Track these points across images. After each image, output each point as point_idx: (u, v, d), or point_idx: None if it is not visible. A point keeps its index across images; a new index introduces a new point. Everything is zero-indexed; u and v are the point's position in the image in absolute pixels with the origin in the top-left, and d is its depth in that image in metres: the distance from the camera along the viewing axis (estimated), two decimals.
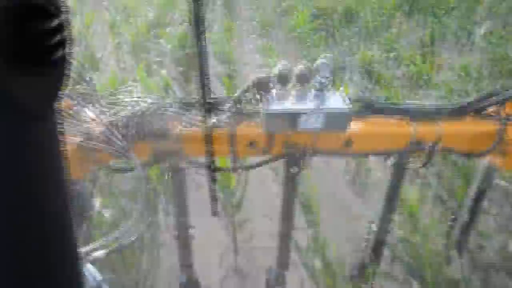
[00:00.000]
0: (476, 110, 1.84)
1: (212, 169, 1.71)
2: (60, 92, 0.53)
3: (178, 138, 1.64)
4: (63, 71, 0.53)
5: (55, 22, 0.49)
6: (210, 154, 1.66)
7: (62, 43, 0.51)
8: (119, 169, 1.68)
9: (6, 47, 0.45)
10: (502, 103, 1.80)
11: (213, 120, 1.66)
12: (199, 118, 1.62)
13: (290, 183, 1.83)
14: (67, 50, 0.52)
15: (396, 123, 1.79)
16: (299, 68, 1.63)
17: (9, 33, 0.45)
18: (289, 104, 1.60)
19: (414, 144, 1.77)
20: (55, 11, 0.50)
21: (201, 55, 1.26)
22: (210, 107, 1.63)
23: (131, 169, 1.62)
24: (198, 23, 1.23)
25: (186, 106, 1.68)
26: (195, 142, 1.65)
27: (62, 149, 0.57)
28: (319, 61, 1.64)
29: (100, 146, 1.50)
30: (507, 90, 1.81)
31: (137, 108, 1.61)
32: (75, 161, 1.58)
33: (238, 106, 1.68)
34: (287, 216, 1.94)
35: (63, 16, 0.51)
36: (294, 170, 1.75)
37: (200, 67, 1.27)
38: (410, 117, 1.77)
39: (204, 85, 1.49)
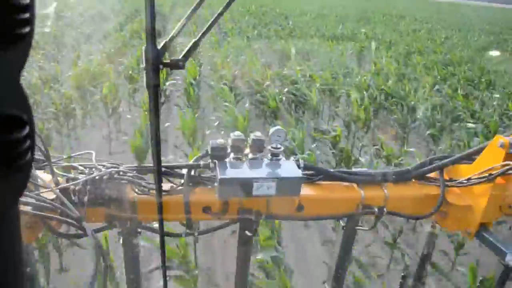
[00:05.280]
0: (418, 175, 1.98)
1: (164, 234, 1.70)
2: (23, 191, 0.54)
3: (133, 204, 1.64)
4: (28, 173, 0.54)
5: (27, 130, 0.51)
6: (163, 219, 1.66)
7: (31, 148, 0.52)
8: (70, 235, 1.64)
9: None
10: (440, 168, 1.96)
11: (168, 185, 1.69)
12: (154, 184, 1.64)
13: (244, 247, 1.85)
14: (33, 155, 0.53)
15: (346, 188, 1.88)
16: (253, 137, 1.71)
17: None
18: (243, 172, 1.65)
19: (363, 208, 1.86)
20: (28, 118, 0.51)
21: (154, 123, 1.24)
22: (165, 173, 1.66)
23: (83, 236, 1.59)
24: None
25: (141, 172, 1.69)
26: (149, 207, 1.66)
27: (20, 239, 0.57)
28: (272, 130, 1.72)
29: (50, 215, 1.48)
30: (444, 158, 1.98)
31: (92, 174, 1.61)
32: (24, 228, 1.54)
33: (193, 172, 1.72)
34: (241, 280, 1.94)
35: (32, 121, 0.52)
36: (248, 234, 1.78)
37: (154, 135, 1.25)
38: (358, 182, 1.88)
39: (158, 152, 1.47)
